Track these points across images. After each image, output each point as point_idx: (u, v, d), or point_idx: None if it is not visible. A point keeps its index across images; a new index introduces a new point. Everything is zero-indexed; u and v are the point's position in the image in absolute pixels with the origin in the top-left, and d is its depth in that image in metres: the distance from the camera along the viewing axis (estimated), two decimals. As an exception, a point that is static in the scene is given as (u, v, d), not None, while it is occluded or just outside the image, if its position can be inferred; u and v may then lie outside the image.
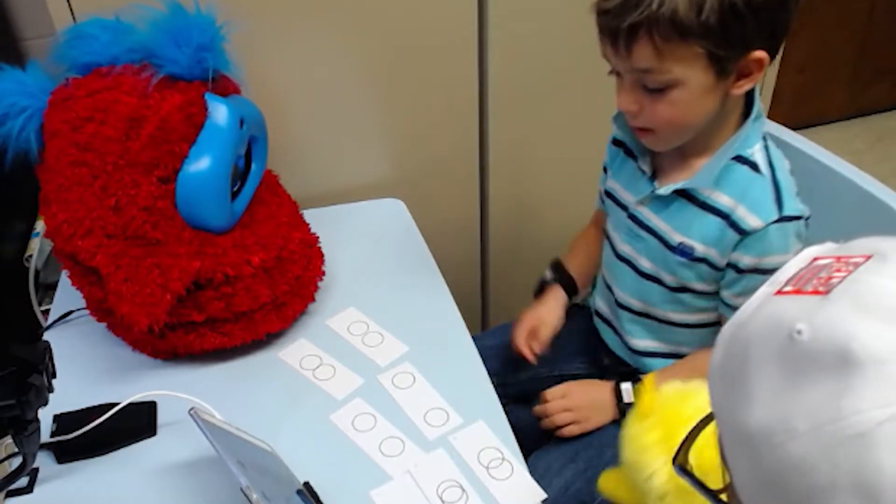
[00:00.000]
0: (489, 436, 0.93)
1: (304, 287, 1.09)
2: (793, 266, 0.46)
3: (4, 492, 0.85)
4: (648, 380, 0.78)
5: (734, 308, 0.93)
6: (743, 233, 0.91)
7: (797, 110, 2.65)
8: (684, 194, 0.95)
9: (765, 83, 1.63)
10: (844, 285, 0.40)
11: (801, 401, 0.39)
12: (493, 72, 1.38)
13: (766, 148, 0.93)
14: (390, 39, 1.31)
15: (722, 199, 0.92)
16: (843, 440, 0.37)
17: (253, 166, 1.11)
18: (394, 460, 0.90)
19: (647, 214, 1.00)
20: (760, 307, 0.45)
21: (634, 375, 1.05)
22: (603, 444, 1.02)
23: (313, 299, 1.11)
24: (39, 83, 0.99)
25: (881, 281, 0.39)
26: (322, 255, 1.14)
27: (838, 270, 0.42)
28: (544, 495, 0.87)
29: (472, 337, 1.08)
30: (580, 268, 1.18)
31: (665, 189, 0.95)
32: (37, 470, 0.89)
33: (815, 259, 0.45)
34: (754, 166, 0.92)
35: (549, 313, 1.12)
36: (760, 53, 0.83)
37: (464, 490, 0.87)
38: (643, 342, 1.08)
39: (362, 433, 0.94)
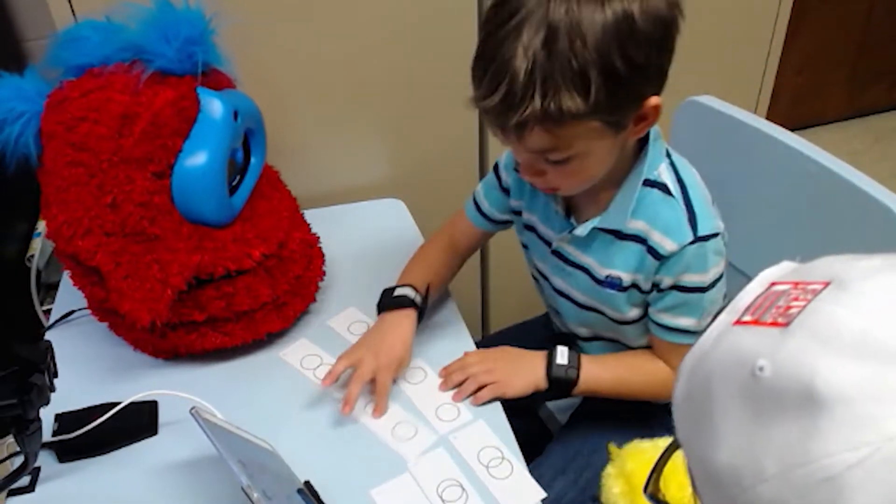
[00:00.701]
0: (489, 435, 0.93)
1: (305, 287, 1.09)
2: (750, 292, 0.45)
3: (6, 491, 0.86)
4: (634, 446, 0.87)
5: (658, 324, 0.96)
6: (660, 258, 0.91)
7: (796, 111, 2.65)
8: (602, 228, 0.94)
9: (763, 84, 1.64)
10: (803, 316, 0.39)
11: (769, 441, 0.38)
12: (492, 72, 1.38)
13: (672, 164, 0.93)
14: (390, 38, 1.31)
15: (637, 225, 0.92)
16: (814, 484, 0.36)
17: (252, 160, 1.11)
18: (394, 460, 0.91)
19: (571, 251, 0.99)
20: (720, 338, 0.44)
21: (575, 341, 1.05)
22: (592, 453, 1.02)
23: (314, 299, 1.12)
24: (36, 87, 0.99)
25: (840, 311, 0.38)
26: (323, 256, 1.14)
27: (796, 299, 0.41)
28: (544, 494, 0.87)
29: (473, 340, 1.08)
30: (434, 287, 1.09)
31: (583, 229, 0.94)
32: (38, 469, 0.90)
33: (773, 284, 0.44)
34: (664, 188, 0.91)
35: (406, 350, 1.01)
36: (654, 100, 0.82)
37: (464, 489, 0.87)
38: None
39: (363, 432, 0.94)
